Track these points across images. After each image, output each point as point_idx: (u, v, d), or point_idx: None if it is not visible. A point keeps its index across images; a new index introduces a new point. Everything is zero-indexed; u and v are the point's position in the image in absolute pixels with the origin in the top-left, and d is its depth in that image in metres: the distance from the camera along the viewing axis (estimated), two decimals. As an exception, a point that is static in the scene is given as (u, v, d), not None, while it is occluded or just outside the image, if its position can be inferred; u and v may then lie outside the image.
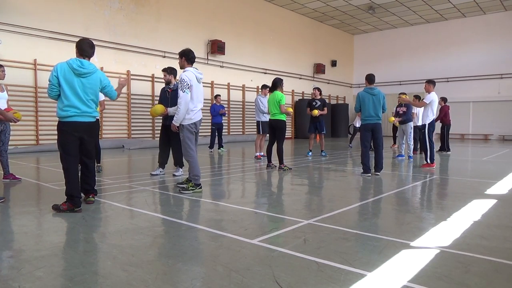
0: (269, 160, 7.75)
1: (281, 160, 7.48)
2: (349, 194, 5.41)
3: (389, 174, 7.18)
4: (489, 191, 5.30)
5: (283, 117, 7.40)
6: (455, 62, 21.87)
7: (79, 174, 4.32)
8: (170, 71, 6.57)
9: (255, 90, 18.37)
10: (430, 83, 8.15)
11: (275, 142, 7.61)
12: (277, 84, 7.52)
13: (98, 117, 4.59)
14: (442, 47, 22.32)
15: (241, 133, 17.96)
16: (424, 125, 8.13)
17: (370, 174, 6.75)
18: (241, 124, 18.05)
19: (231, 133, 17.43)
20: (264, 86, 9.60)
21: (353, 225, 3.55)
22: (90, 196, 4.43)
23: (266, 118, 8.80)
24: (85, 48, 4.15)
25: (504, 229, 3.48)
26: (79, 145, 4.21)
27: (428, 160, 7.92)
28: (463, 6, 19.61)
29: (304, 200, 4.89)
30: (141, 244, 3.01)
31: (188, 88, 4.95)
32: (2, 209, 4.19)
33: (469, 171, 8.12)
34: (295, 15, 20.88)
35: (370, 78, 6.98)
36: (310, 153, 10.43)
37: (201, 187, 5.19)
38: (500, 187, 5.62)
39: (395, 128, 13.10)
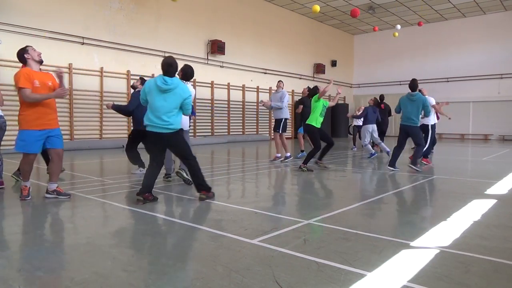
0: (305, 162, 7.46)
1: (305, 161, 7.35)
2: (349, 194, 5.42)
3: (389, 174, 7.18)
4: (489, 191, 5.30)
5: (312, 122, 7.45)
6: (455, 62, 21.83)
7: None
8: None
9: (255, 90, 18.37)
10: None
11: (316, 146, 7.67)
12: (316, 91, 7.76)
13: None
14: (442, 47, 22.29)
15: (241, 133, 17.96)
16: (432, 125, 8.71)
17: (397, 169, 7.34)
18: (241, 124, 18.04)
19: (231, 133, 17.43)
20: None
21: (353, 225, 3.54)
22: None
23: (287, 114, 8.90)
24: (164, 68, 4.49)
25: (504, 229, 3.48)
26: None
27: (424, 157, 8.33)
28: (463, 6, 19.60)
29: (304, 200, 4.89)
30: (141, 244, 3.01)
31: None
32: (1, 209, 4.20)
33: (469, 171, 8.13)
34: (295, 15, 20.87)
35: (412, 86, 7.32)
36: (303, 154, 10.26)
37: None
38: (500, 187, 5.62)
39: (355, 130, 13.20)
